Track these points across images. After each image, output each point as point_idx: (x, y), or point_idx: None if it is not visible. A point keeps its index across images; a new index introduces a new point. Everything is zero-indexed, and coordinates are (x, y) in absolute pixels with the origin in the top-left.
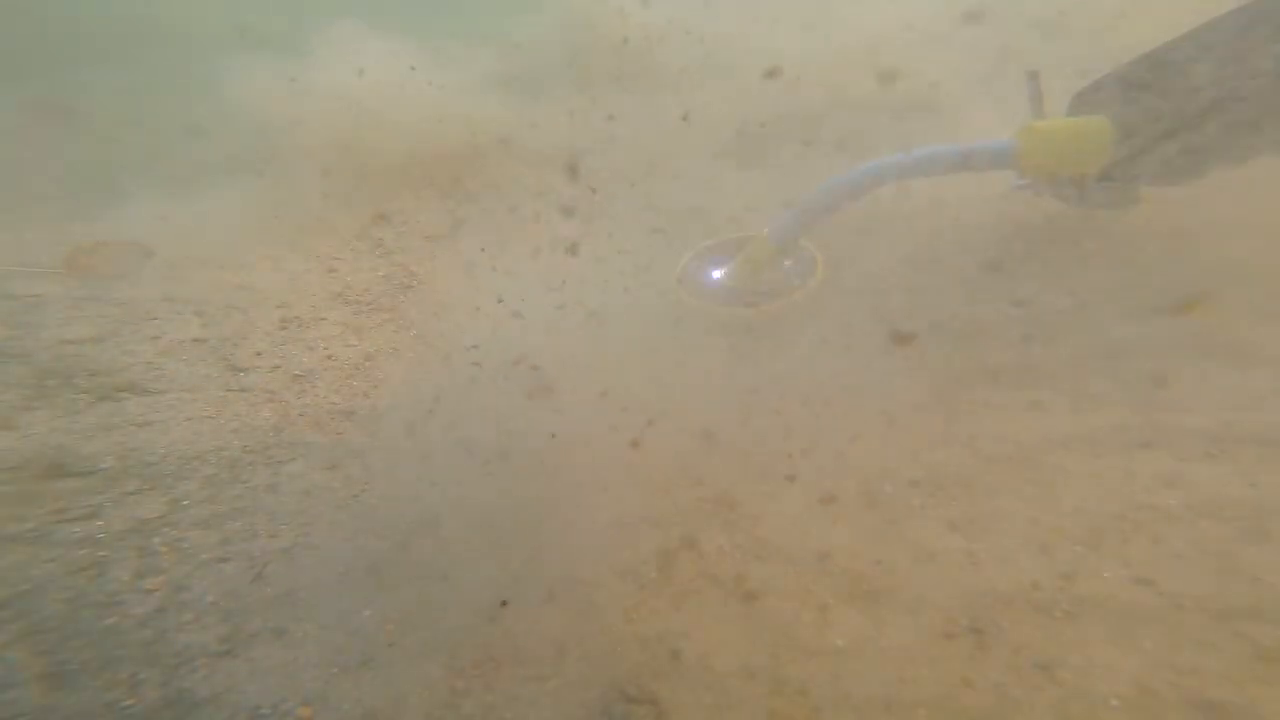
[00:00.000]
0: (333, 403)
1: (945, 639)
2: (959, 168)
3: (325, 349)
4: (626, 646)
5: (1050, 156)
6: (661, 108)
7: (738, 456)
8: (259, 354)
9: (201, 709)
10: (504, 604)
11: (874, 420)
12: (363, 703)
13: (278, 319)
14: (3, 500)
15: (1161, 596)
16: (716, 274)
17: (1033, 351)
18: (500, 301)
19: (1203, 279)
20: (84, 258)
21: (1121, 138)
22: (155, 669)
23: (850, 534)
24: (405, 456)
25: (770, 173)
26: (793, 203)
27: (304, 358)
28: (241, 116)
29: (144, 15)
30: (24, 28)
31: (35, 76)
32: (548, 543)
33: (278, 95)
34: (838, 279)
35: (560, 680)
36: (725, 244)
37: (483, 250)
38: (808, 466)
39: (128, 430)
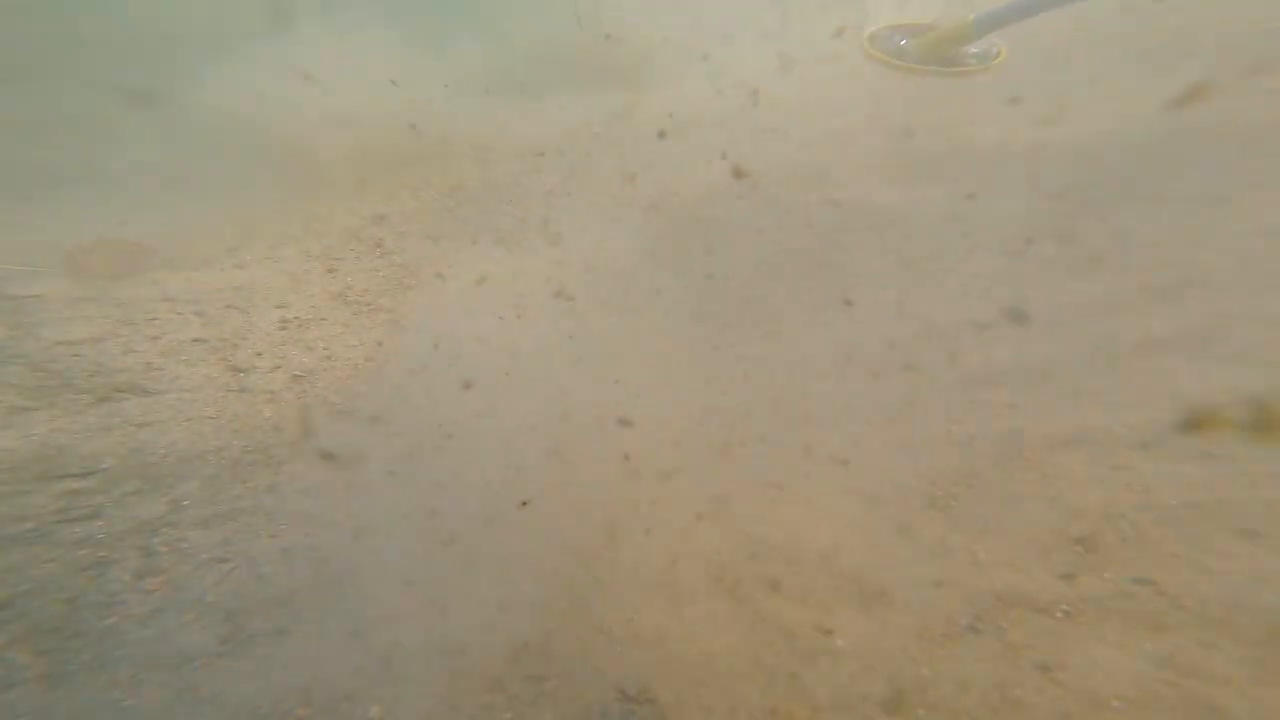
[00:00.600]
0: (333, 403)
1: (945, 639)
2: None
3: (325, 349)
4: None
5: None
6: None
7: None
8: (259, 354)
9: (201, 709)
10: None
11: (875, 420)
12: (363, 703)
13: (278, 319)
14: (3, 500)
15: (1161, 596)
16: (903, 41)
17: (1034, 349)
18: (498, 299)
19: None
20: (84, 258)
21: None
22: (155, 669)
23: (850, 533)
24: (405, 457)
25: None
26: None
27: (304, 358)
28: (240, 116)
29: (140, 16)
30: (23, 28)
31: (34, 77)
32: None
33: (277, 95)
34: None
35: (558, 681)
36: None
37: (479, 246)
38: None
39: (128, 430)
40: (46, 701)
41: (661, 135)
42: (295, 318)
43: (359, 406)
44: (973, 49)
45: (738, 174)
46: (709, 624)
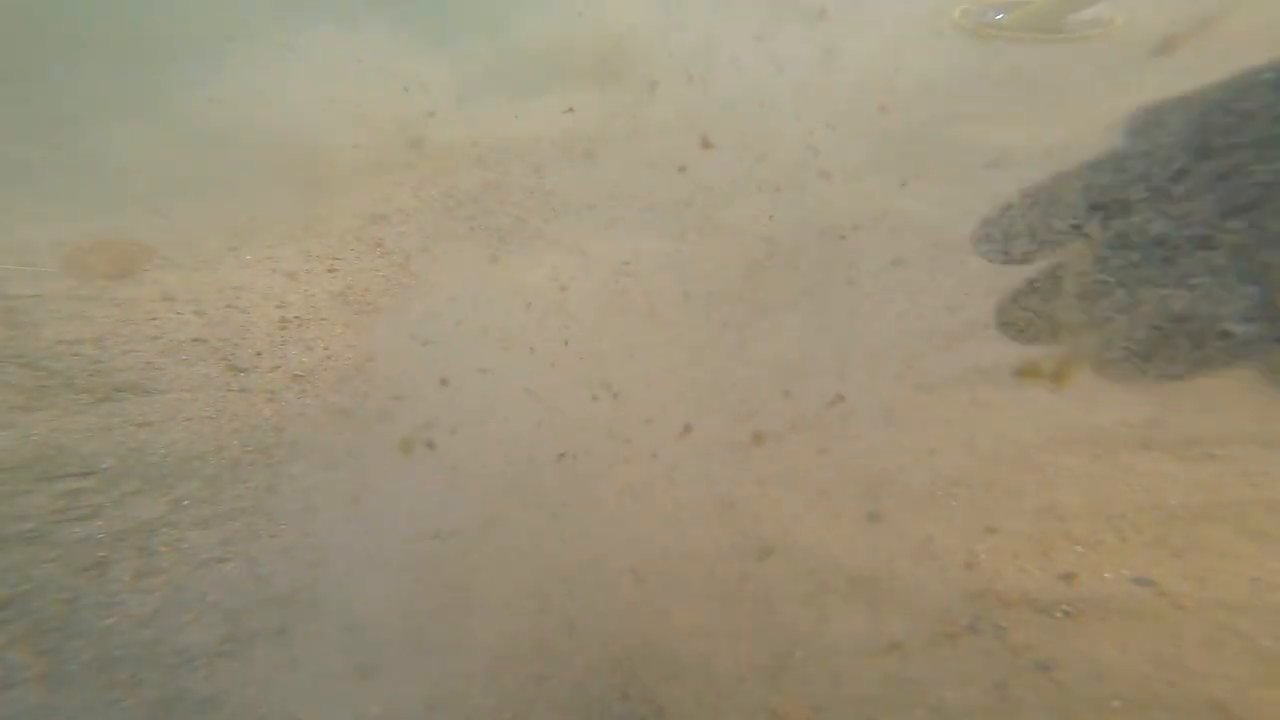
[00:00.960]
0: (332, 403)
1: (945, 639)
2: None
3: (325, 349)
4: None
5: None
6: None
7: None
8: (259, 354)
9: (202, 709)
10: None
11: (874, 418)
12: (364, 702)
13: (278, 319)
14: (3, 500)
15: (1162, 596)
16: (999, 15)
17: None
18: (498, 297)
19: None
20: (84, 258)
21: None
22: (155, 669)
23: (850, 533)
24: (406, 457)
25: None
26: None
27: (304, 358)
28: (238, 116)
29: (138, 15)
30: (21, 26)
31: (33, 77)
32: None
33: (275, 95)
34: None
35: (560, 679)
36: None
37: (480, 245)
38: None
39: (128, 430)
40: (46, 701)
41: (682, 170)
42: (295, 318)
43: (360, 406)
44: (1081, 17)
45: (704, 145)
46: (706, 623)
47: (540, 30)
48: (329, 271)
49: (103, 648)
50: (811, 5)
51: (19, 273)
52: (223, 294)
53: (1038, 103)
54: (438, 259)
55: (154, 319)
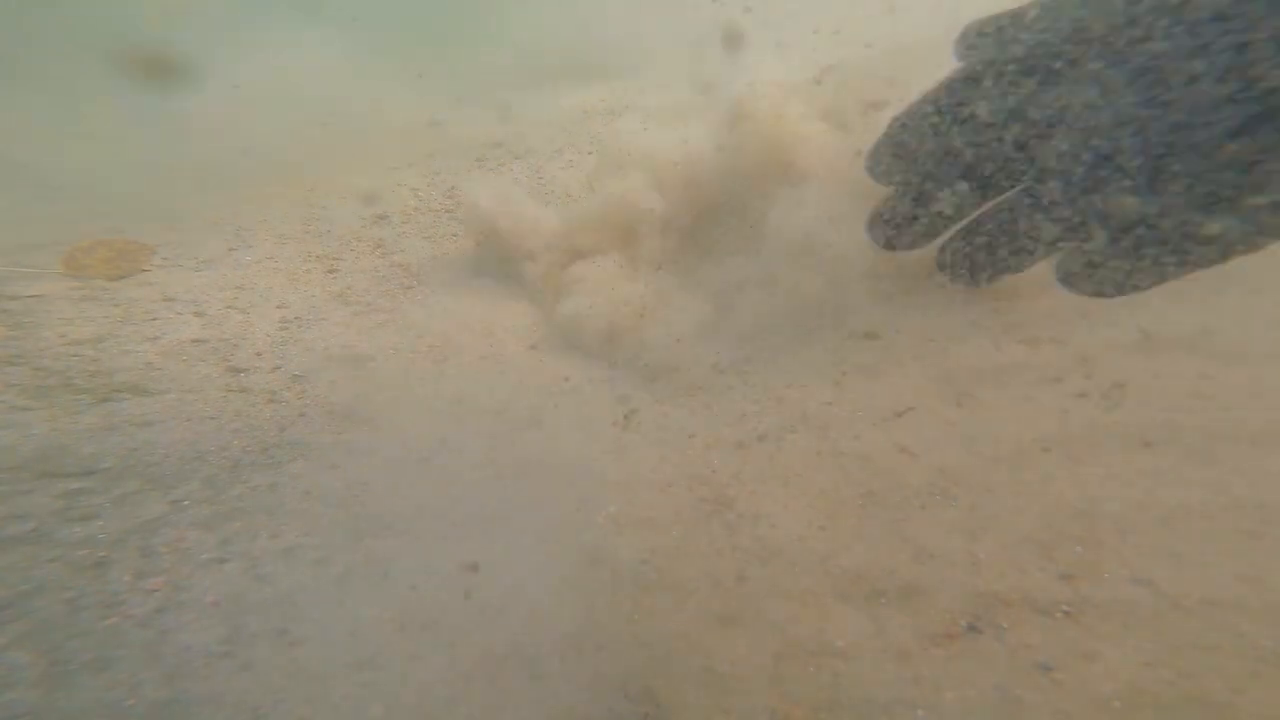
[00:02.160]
0: (332, 403)
1: (945, 639)
2: None
3: (325, 349)
4: None
5: None
6: None
7: None
8: (259, 354)
9: (202, 709)
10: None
11: (874, 418)
12: (364, 702)
13: (278, 319)
14: (3, 500)
15: (1162, 597)
16: None
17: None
18: (498, 297)
19: None
20: (83, 258)
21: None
22: (155, 669)
23: (850, 534)
24: (405, 457)
25: None
26: None
27: (304, 358)
28: (239, 117)
29: (134, 13)
30: (20, 25)
31: (32, 76)
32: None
33: (276, 96)
34: None
35: (558, 679)
36: None
37: (481, 248)
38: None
39: (128, 430)
40: (46, 701)
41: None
42: (295, 318)
43: (359, 407)
44: None
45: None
46: (709, 626)
47: (541, 35)
48: (329, 272)
49: (103, 648)
50: None
51: (19, 273)
52: (223, 294)
53: None
54: (438, 259)
55: (154, 319)
